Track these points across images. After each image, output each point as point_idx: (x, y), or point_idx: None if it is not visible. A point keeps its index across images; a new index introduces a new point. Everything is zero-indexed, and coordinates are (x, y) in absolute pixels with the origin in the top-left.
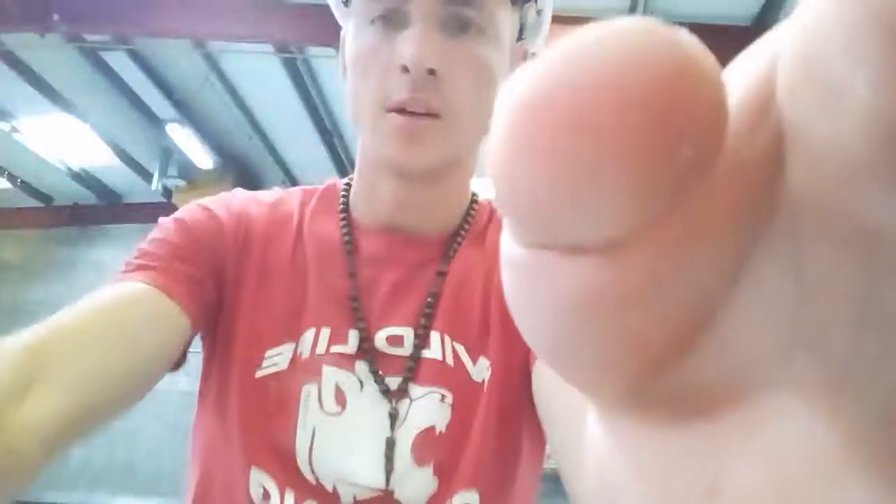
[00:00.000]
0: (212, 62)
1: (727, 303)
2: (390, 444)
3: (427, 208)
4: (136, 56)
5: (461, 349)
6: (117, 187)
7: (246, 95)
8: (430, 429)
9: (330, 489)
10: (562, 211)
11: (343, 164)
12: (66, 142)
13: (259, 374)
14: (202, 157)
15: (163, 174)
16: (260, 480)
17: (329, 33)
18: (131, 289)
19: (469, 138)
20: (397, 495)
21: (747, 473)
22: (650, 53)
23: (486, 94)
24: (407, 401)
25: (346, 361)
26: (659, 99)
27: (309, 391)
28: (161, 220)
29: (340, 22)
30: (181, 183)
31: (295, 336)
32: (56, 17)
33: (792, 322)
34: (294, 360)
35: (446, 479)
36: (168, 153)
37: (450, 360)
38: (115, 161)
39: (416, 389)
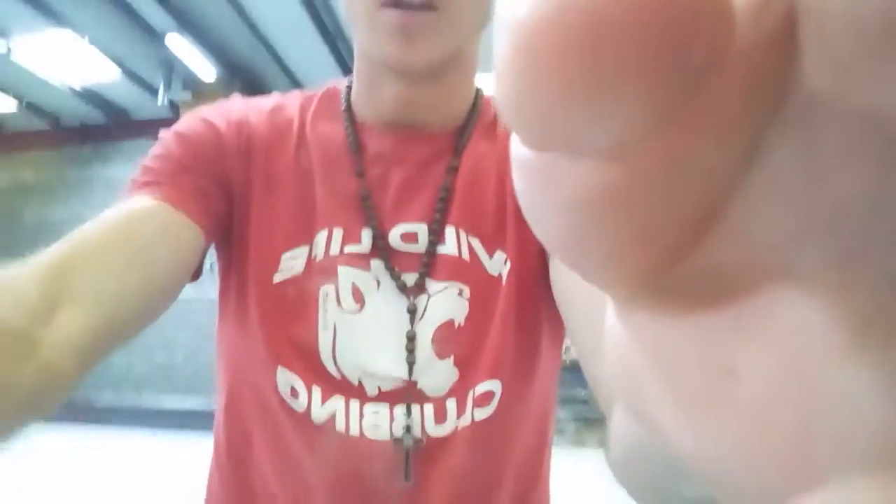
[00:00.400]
0: None
1: (739, 189)
2: (411, 338)
3: (432, 104)
4: None
5: (476, 243)
6: (124, 104)
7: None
8: (449, 322)
9: (355, 383)
10: (573, 119)
11: (349, 68)
12: (66, 59)
13: (276, 278)
14: (205, 69)
15: (167, 88)
16: (287, 379)
17: None
18: (141, 205)
19: (469, 30)
20: (420, 386)
21: (763, 355)
22: None
23: None
24: (425, 296)
25: (361, 261)
26: (663, 2)
27: (327, 291)
28: (161, 133)
29: None
30: (187, 96)
31: (308, 239)
32: None
33: (806, 207)
34: (309, 262)
35: (467, 371)
36: (170, 66)
37: (465, 255)
38: (119, 77)
39: (433, 285)
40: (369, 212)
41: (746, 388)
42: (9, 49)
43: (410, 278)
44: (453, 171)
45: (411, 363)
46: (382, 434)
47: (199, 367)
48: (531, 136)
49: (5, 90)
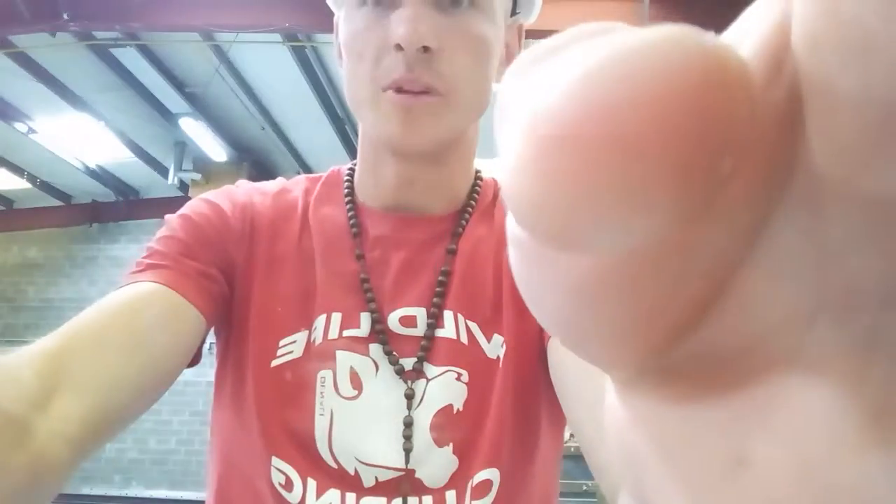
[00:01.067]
0: (221, 54)
1: (746, 269)
2: (408, 424)
3: (431, 187)
4: (146, 52)
5: (475, 327)
6: (134, 183)
7: (256, 86)
8: (448, 407)
9: (351, 472)
10: (596, 222)
11: (355, 152)
12: (82, 140)
13: (274, 363)
14: (216, 150)
15: (178, 168)
16: (282, 469)
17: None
18: (143, 290)
19: (468, 114)
20: (419, 475)
21: (774, 445)
22: (681, 66)
23: (483, 68)
24: (423, 381)
25: (359, 345)
26: (696, 115)
27: (324, 377)
28: (167, 217)
29: (332, 7)
30: (196, 176)
31: (307, 323)
32: (66, 16)
33: (814, 288)
34: (308, 347)
35: (467, 458)
36: (182, 147)
37: (464, 339)
38: (131, 157)
39: (431, 369)
40: (368, 295)
41: (758, 479)
42: (29, 129)
43: (409, 363)
44: (452, 253)
45: (408, 450)
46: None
47: (192, 456)
48: (547, 236)
49: (22, 169)
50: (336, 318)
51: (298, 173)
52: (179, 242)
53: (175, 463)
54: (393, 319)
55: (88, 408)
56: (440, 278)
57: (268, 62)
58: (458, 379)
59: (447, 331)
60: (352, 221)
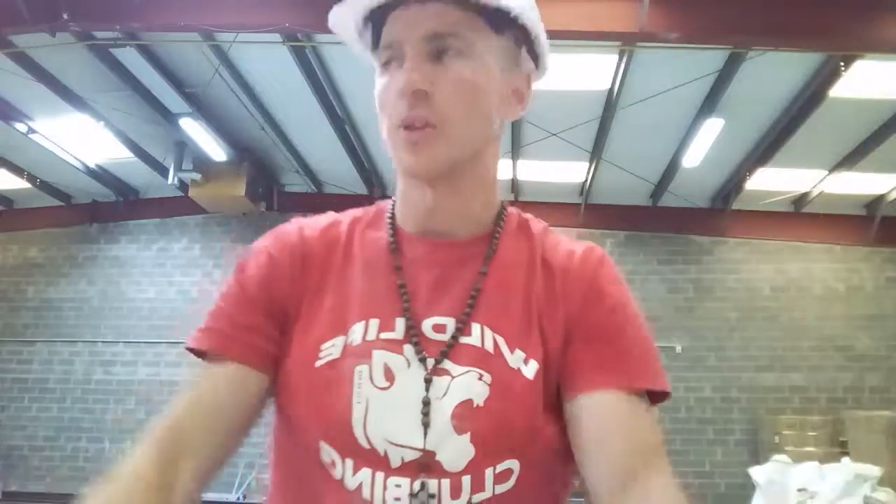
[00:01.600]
0: (221, 54)
1: None
2: (426, 403)
3: (452, 212)
4: (146, 52)
5: (500, 340)
6: (134, 183)
7: (256, 86)
8: (468, 402)
9: (382, 453)
10: None
11: (355, 151)
12: (82, 140)
13: (317, 364)
14: (216, 150)
15: (178, 168)
16: (327, 451)
17: None
18: (216, 372)
19: (462, 140)
20: (438, 458)
21: None
22: None
23: (472, 104)
24: (448, 377)
25: (394, 345)
26: None
27: (361, 371)
28: (228, 278)
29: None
30: (196, 176)
31: (344, 330)
32: (66, 16)
33: None
34: (345, 348)
35: (483, 449)
36: (182, 147)
37: (489, 347)
38: (131, 157)
39: (456, 368)
40: (405, 302)
41: None
42: (29, 129)
43: (436, 361)
44: (483, 274)
45: (426, 425)
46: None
47: None
48: None
49: (22, 169)
50: (374, 323)
51: (298, 173)
52: (228, 310)
53: None
54: (426, 325)
55: (201, 469)
56: (472, 293)
57: (268, 62)
58: (480, 379)
59: (473, 338)
60: (391, 241)
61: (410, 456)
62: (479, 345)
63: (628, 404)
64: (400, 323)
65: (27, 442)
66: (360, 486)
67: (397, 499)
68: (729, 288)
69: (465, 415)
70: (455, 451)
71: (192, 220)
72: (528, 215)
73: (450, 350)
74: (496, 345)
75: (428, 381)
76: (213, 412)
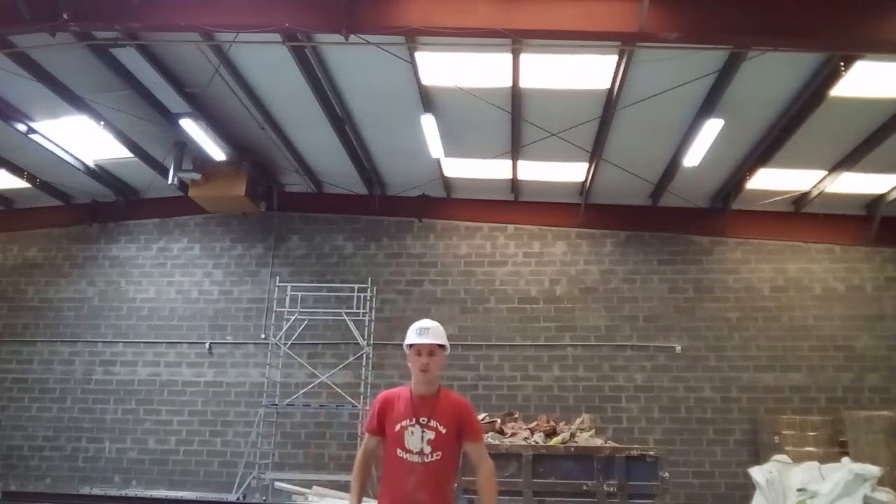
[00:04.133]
0: (221, 54)
1: None
2: (421, 438)
3: (428, 390)
4: (145, 52)
5: (437, 423)
6: (134, 183)
7: (256, 86)
8: (429, 439)
9: (412, 450)
10: None
11: (355, 151)
12: (82, 140)
13: (396, 429)
14: (216, 150)
15: (178, 168)
16: (399, 450)
17: (336, 20)
18: (368, 440)
19: (436, 372)
20: (424, 451)
21: None
22: None
23: (439, 364)
24: (425, 432)
25: (413, 425)
26: None
27: (407, 432)
28: (371, 404)
29: (405, 348)
30: (196, 176)
31: (399, 422)
32: (66, 16)
33: None
34: (401, 427)
35: (433, 448)
36: (182, 147)
37: (435, 426)
38: (131, 157)
39: (427, 431)
40: (414, 413)
41: None
42: (29, 129)
43: (422, 428)
44: (433, 406)
45: (423, 441)
46: (413, 459)
47: (191, 456)
48: None
49: (22, 169)
50: (406, 421)
51: (298, 173)
52: (372, 416)
53: (174, 463)
54: (419, 419)
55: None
56: (430, 413)
57: (268, 62)
58: (434, 432)
59: (433, 423)
60: (410, 398)
61: (417, 449)
62: (434, 426)
63: (476, 445)
64: (413, 420)
65: (27, 442)
66: (404, 458)
67: (413, 461)
68: (729, 288)
69: (429, 441)
70: (426, 448)
71: (192, 220)
72: (446, 388)
73: (426, 425)
74: (437, 425)
75: (422, 433)
76: (369, 456)
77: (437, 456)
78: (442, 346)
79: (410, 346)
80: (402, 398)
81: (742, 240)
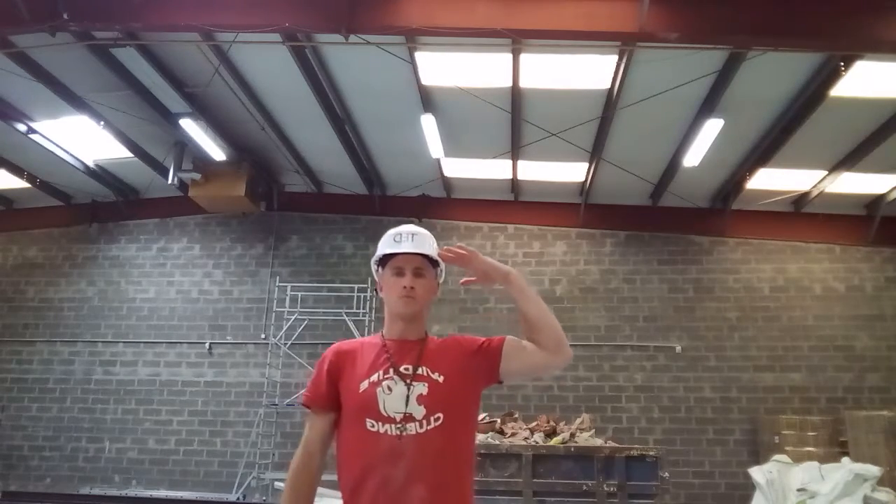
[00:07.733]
0: (221, 54)
1: None
2: (407, 396)
3: (410, 332)
4: (145, 52)
5: (429, 370)
6: (134, 183)
7: (256, 86)
8: (420, 393)
9: (390, 416)
10: None
11: (355, 151)
12: (82, 140)
13: (360, 390)
14: (216, 150)
15: (178, 168)
16: (370, 421)
17: (336, 20)
18: (312, 421)
19: (425, 304)
20: (410, 412)
21: None
22: None
23: (429, 291)
24: (413, 385)
25: (389, 378)
26: None
27: (381, 389)
28: (315, 365)
29: (375, 276)
30: (196, 176)
31: (368, 377)
32: (65, 15)
33: None
34: (371, 383)
35: (427, 409)
36: (182, 147)
37: (426, 373)
38: (131, 157)
39: (415, 384)
40: (391, 362)
41: None
42: (29, 129)
43: (406, 381)
44: (422, 350)
45: (406, 401)
46: (395, 432)
47: (191, 455)
48: None
49: (22, 169)
50: (381, 372)
51: (298, 173)
52: (313, 381)
53: (174, 463)
54: (399, 369)
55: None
56: (419, 356)
57: (268, 62)
58: (425, 385)
59: (423, 371)
60: (383, 342)
61: (401, 414)
62: (424, 374)
63: (509, 340)
64: (391, 371)
65: (27, 442)
66: (381, 432)
67: (395, 434)
68: (729, 288)
69: (420, 398)
70: (417, 411)
71: (192, 220)
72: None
73: (413, 375)
74: (428, 373)
75: (408, 386)
76: (318, 442)
77: (436, 421)
78: (434, 265)
79: (383, 263)
80: (369, 346)
81: (742, 240)
